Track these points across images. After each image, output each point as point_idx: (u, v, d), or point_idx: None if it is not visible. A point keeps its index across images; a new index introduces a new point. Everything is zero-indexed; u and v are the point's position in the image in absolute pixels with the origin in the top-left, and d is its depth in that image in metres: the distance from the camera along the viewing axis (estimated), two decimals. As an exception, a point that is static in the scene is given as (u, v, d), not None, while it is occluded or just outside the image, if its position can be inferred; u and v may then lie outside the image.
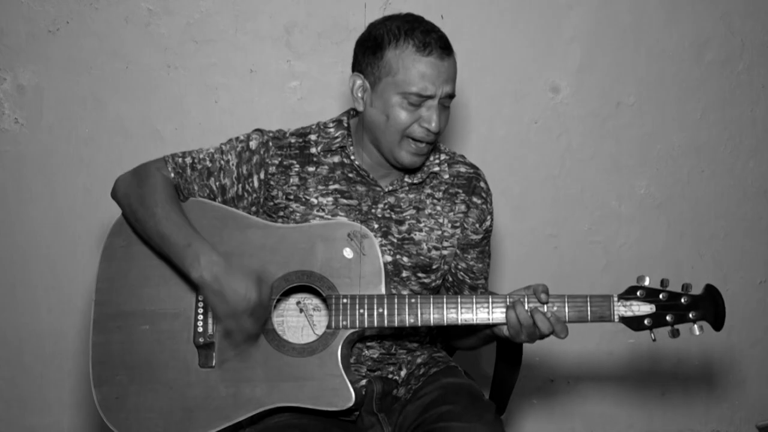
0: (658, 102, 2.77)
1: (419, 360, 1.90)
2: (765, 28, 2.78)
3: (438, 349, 1.98)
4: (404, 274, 1.82)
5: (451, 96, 1.73)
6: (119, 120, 2.56)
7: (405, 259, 1.82)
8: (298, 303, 1.80)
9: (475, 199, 1.88)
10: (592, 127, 2.75)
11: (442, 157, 1.89)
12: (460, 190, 1.87)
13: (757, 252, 2.90)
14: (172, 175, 1.79)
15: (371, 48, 1.73)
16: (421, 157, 1.77)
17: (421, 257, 1.83)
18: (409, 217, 1.84)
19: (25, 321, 2.65)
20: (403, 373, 1.86)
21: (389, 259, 1.81)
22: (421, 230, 1.84)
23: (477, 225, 1.88)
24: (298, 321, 1.81)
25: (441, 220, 1.85)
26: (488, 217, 1.90)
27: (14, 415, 2.70)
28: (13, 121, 2.55)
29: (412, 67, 1.68)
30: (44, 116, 2.55)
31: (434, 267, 1.85)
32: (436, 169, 1.86)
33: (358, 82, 1.76)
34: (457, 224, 1.86)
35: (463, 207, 1.87)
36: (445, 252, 1.86)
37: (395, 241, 1.82)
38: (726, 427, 2.98)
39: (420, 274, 1.84)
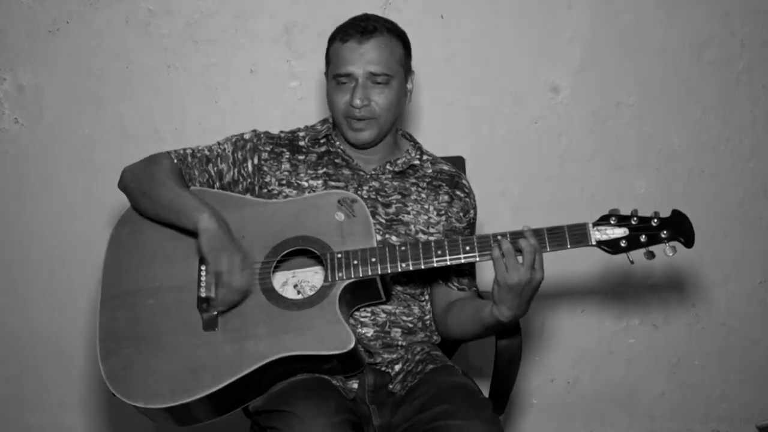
0: (658, 102, 2.77)
1: (417, 357, 1.90)
2: (765, 28, 2.78)
3: (435, 347, 1.98)
4: None
5: (376, 75, 1.87)
6: (119, 120, 2.56)
7: (394, 238, 1.90)
8: (295, 286, 1.85)
9: (458, 192, 2.00)
10: (592, 127, 2.75)
11: (425, 157, 2.02)
12: (444, 184, 2.00)
13: (757, 252, 2.90)
14: (175, 161, 1.92)
15: (326, 49, 1.97)
16: (360, 132, 1.91)
17: (410, 237, 1.91)
18: (395, 201, 1.94)
19: (25, 321, 2.66)
20: (397, 367, 1.87)
21: (379, 238, 1.88)
22: (408, 213, 1.93)
23: (461, 214, 1.99)
24: None
25: (426, 206, 1.96)
26: (471, 211, 2.02)
27: (14, 415, 2.70)
28: (13, 121, 2.55)
29: (337, 56, 1.90)
30: (44, 116, 2.55)
31: None
32: (417, 162, 1.99)
33: (325, 76, 1.98)
34: (442, 212, 1.96)
35: (446, 197, 1.98)
36: (431, 238, 1.91)
37: (383, 221, 1.91)
38: (726, 427, 2.98)
39: (405, 243, 1.87)
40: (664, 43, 2.74)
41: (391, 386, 1.86)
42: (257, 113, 2.58)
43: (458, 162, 2.27)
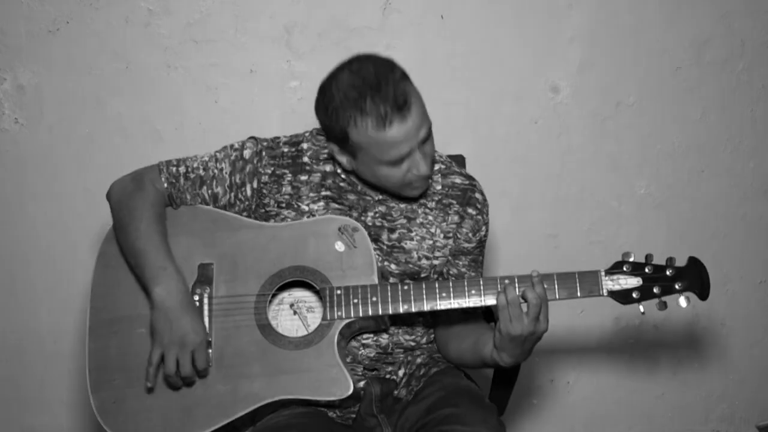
0: (658, 102, 2.77)
1: (419, 360, 1.89)
2: (765, 28, 2.78)
3: (437, 350, 1.97)
4: (391, 280, 1.82)
5: (427, 137, 1.71)
6: (119, 120, 2.56)
7: (393, 266, 1.82)
8: (291, 305, 1.81)
9: (470, 210, 1.87)
10: (592, 127, 2.75)
11: (436, 167, 1.87)
12: (454, 201, 1.86)
13: (757, 252, 2.90)
14: (165, 185, 1.81)
15: (334, 130, 1.70)
16: (420, 189, 1.78)
17: (410, 265, 1.83)
18: (400, 226, 1.84)
19: (25, 321, 2.65)
20: (401, 372, 1.86)
21: (378, 265, 1.80)
22: (412, 239, 1.84)
23: (470, 234, 1.87)
24: (293, 323, 1.81)
25: (433, 230, 1.85)
26: (483, 228, 1.89)
27: (14, 415, 2.70)
28: (13, 121, 2.55)
29: (381, 141, 1.66)
30: (44, 116, 2.55)
31: (423, 276, 1.85)
32: None
33: (335, 149, 1.75)
34: (450, 235, 1.86)
35: (456, 218, 1.86)
36: (436, 262, 1.85)
37: (384, 248, 1.82)
38: (726, 427, 2.98)
39: (407, 282, 1.82)
40: (664, 43, 2.74)
41: (396, 392, 1.84)
42: (257, 113, 2.58)
43: (458, 161, 2.26)
